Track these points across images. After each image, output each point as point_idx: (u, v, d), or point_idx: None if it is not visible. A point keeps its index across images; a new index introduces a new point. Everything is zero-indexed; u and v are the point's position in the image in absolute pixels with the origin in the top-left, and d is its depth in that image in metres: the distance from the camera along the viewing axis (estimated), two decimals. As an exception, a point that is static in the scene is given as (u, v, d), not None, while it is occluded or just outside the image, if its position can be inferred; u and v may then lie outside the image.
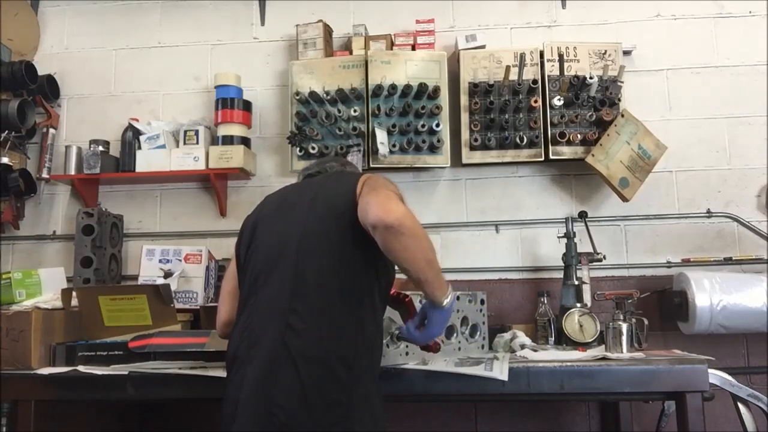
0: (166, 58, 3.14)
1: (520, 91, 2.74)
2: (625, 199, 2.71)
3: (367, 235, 1.48)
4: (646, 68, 2.90)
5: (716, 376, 1.97)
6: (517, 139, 2.71)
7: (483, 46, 2.84)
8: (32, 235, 3.04)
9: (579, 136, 2.72)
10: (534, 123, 2.73)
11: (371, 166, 2.75)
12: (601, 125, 2.73)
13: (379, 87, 2.75)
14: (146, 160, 2.90)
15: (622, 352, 2.02)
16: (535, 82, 2.74)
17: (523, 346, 2.20)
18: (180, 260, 2.81)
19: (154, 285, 2.38)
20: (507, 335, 2.30)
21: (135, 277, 2.88)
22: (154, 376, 1.98)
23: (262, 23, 3.11)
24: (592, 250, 2.57)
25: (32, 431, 1.99)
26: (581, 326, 2.35)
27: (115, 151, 2.99)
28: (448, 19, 3.01)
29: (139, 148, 2.93)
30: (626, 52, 2.86)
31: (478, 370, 1.83)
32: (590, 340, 2.32)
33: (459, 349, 2.13)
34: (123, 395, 1.97)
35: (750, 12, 2.90)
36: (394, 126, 2.76)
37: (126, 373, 1.98)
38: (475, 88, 2.77)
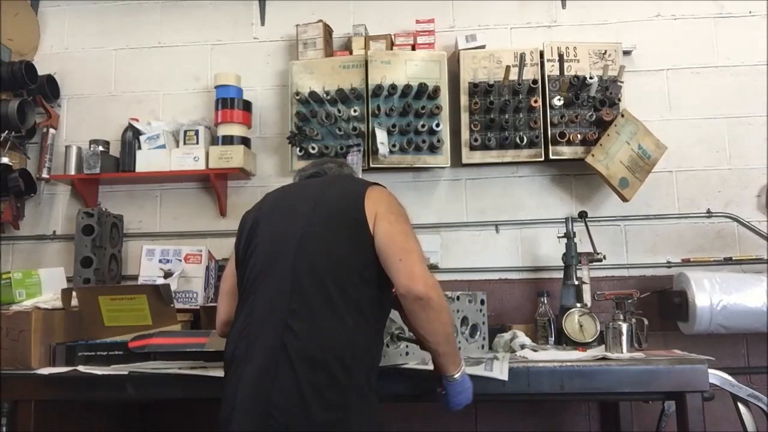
0: (166, 58, 3.14)
1: (520, 91, 2.74)
2: (625, 199, 2.71)
3: (369, 243, 1.50)
4: (646, 68, 2.90)
5: (716, 376, 1.97)
6: (517, 139, 2.71)
7: (483, 46, 2.84)
8: (32, 235, 3.04)
9: (579, 136, 2.72)
10: (534, 123, 2.73)
11: (371, 166, 2.75)
12: (601, 125, 2.73)
13: (379, 87, 2.75)
14: (146, 160, 2.90)
15: (622, 352, 2.02)
16: (535, 82, 2.74)
17: (523, 346, 2.20)
18: (180, 260, 2.81)
19: (154, 285, 2.38)
20: (507, 335, 2.30)
21: (135, 277, 2.88)
22: (154, 376, 1.97)
23: (262, 23, 3.11)
24: (592, 250, 2.57)
25: (32, 431, 1.99)
26: (581, 326, 2.35)
27: (115, 151, 2.99)
28: (448, 19, 3.01)
29: (139, 148, 2.93)
30: (626, 52, 2.86)
31: (478, 370, 1.83)
32: (590, 340, 2.32)
33: (459, 349, 2.13)
34: (123, 395, 1.97)
35: (750, 12, 2.90)
36: (394, 126, 2.76)
37: (126, 373, 1.98)
38: (475, 88, 2.77)
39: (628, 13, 2.94)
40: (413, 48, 2.86)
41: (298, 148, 2.80)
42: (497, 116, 2.76)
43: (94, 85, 3.15)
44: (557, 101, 2.73)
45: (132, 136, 2.95)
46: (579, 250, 2.53)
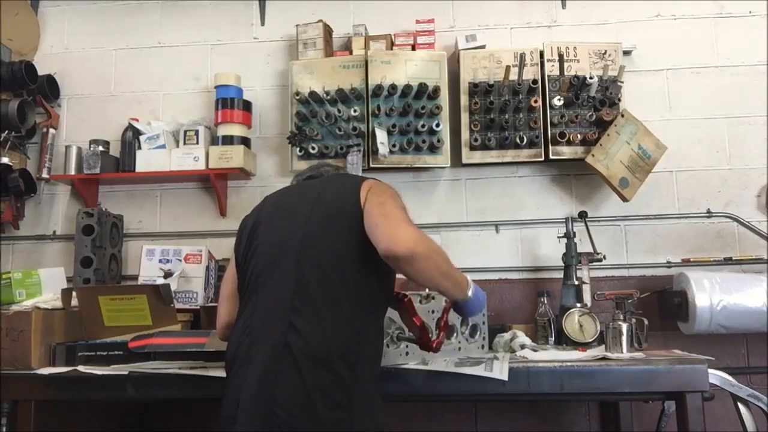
0: (166, 58, 3.14)
1: (520, 91, 2.74)
2: (625, 199, 2.71)
3: (365, 234, 1.50)
4: (646, 68, 2.90)
5: (716, 376, 1.97)
6: (517, 139, 2.71)
7: (483, 46, 2.84)
8: (32, 235, 3.04)
9: (579, 136, 2.72)
10: (534, 123, 2.73)
11: (371, 166, 2.75)
12: (601, 125, 2.73)
13: (379, 87, 2.75)
14: (146, 160, 2.90)
15: (622, 352, 2.02)
16: (535, 82, 2.74)
17: (523, 346, 2.20)
18: (180, 260, 2.81)
19: (154, 285, 2.38)
20: (507, 335, 2.30)
21: (135, 277, 2.88)
22: (154, 376, 1.97)
23: (262, 23, 3.11)
24: (592, 250, 2.57)
25: (32, 431, 1.99)
26: (581, 326, 2.35)
27: (115, 151, 2.99)
28: (448, 19, 3.01)
29: (139, 148, 2.93)
30: (626, 52, 2.86)
31: (478, 371, 1.83)
32: (590, 340, 2.32)
33: (459, 349, 2.13)
34: (123, 395, 1.97)
35: (750, 12, 2.89)
36: (394, 126, 2.76)
37: (126, 373, 1.98)
38: (475, 88, 2.77)
39: (628, 13, 2.94)
40: (413, 48, 2.86)
41: (298, 148, 2.80)
42: (497, 116, 2.76)
43: (94, 85, 3.14)
44: (557, 101, 2.73)
45: (132, 136, 2.95)
46: (579, 250, 2.53)
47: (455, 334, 2.12)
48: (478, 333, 2.22)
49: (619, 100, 2.75)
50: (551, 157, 2.72)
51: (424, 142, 2.75)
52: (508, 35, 2.98)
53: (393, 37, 2.89)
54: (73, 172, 2.94)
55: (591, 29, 2.94)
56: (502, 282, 2.81)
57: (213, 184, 2.89)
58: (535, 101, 2.73)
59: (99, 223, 2.79)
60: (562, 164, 2.82)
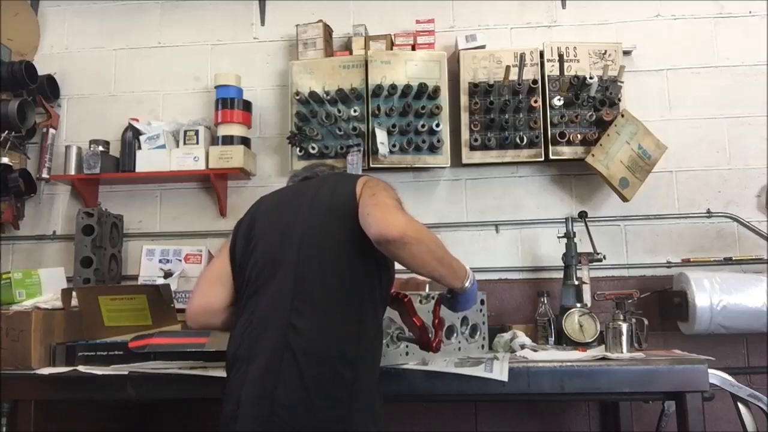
0: (166, 58, 3.14)
1: (520, 91, 2.74)
2: (625, 199, 2.71)
3: (367, 235, 1.49)
4: (646, 68, 2.90)
5: (716, 376, 1.97)
6: (517, 139, 2.71)
7: (483, 46, 2.84)
8: (32, 235, 3.03)
9: (579, 136, 2.72)
10: (534, 123, 2.73)
11: (371, 166, 2.75)
12: (601, 125, 2.73)
13: (379, 87, 2.75)
14: (146, 160, 2.90)
15: (622, 352, 2.02)
16: (535, 82, 2.74)
17: (523, 346, 2.20)
18: (180, 260, 2.81)
19: (154, 285, 2.38)
20: (507, 335, 2.30)
21: (135, 277, 2.89)
22: (154, 376, 1.97)
23: (262, 23, 3.11)
24: (592, 250, 2.57)
25: (32, 431, 1.99)
26: (581, 326, 2.35)
27: (115, 151, 2.99)
28: (448, 19, 3.01)
29: (139, 148, 2.93)
30: (626, 52, 2.86)
31: (478, 371, 1.83)
32: (590, 340, 2.32)
33: (459, 349, 2.13)
34: (123, 395, 1.97)
35: (750, 12, 2.90)
36: (394, 126, 2.76)
37: (126, 373, 1.98)
38: (475, 88, 2.77)
39: (628, 13, 2.94)
40: (413, 48, 2.86)
41: (298, 148, 2.80)
42: (497, 116, 2.76)
43: (94, 85, 3.14)
44: (557, 101, 2.73)
45: (132, 136, 2.95)
46: (579, 250, 2.53)
47: (455, 334, 2.12)
48: (478, 333, 2.22)
49: (619, 100, 2.75)
50: (551, 157, 2.72)
51: (424, 142, 2.75)
52: (508, 35, 2.98)
53: (393, 37, 2.89)
54: (73, 172, 2.94)
55: (591, 29, 2.94)
56: (502, 282, 2.81)
57: (213, 184, 2.89)
58: (535, 101, 2.73)
59: (99, 223, 2.79)
60: (562, 164, 2.82)
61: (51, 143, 3.04)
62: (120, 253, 2.95)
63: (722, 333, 2.47)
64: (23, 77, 2.89)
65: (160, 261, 2.83)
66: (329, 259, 1.52)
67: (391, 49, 2.86)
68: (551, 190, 2.88)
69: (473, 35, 2.84)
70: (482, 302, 2.25)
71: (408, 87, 2.75)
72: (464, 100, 2.79)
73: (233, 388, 1.49)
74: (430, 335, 1.74)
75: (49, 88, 3.04)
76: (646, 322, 2.24)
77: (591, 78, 2.70)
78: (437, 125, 2.74)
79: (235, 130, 2.89)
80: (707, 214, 2.78)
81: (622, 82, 2.75)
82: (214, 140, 2.93)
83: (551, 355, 2.04)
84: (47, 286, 2.42)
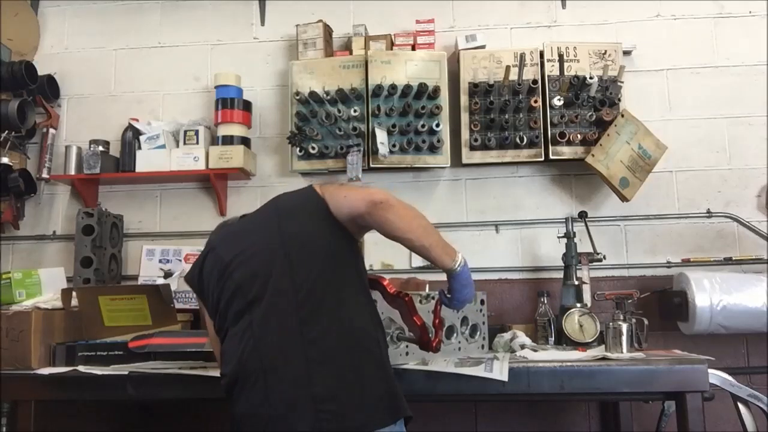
0: (166, 58, 3.14)
1: (520, 91, 2.74)
2: (625, 199, 2.71)
3: (343, 228, 1.56)
4: (646, 68, 2.90)
5: (716, 376, 1.97)
6: (517, 139, 2.71)
7: (483, 46, 2.84)
8: (32, 235, 3.03)
9: (579, 136, 2.72)
10: (534, 123, 2.72)
11: (371, 166, 2.75)
12: (601, 125, 2.73)
13: (379, 87, 2.75)
14: (146, 160, 2.90)
15: (622, 352, 2.02)
16: (535, 82, 2.74)
17: (523, 346, 2.20)
18: (180, 260, 2.82)
19: (154, 285, 2.38)
20: (507, 335, 2.29)
21: (135, 277, 2.89)
22: (154, 376, 1.98)
23: (262, 23, 3.11)
24: (592, 250, 2.57)
25: (32, 431, 1.99)
26: (581, 326, 2.35)
27: (115, 151, 2.99)
28: (448, 19, 3.01)
29: (139, 148, 2.93)
30: (626, 52, 2.86)
31: (478, 371, 1.83)
32: (590, 340, 2.32)
33: (459, 349, 2.13)
34: (123, 395, 1.97)
35: (750, 12, 2.90)
36: (394, 126, 2.76)
37: (126, 373, 1.98)
38: (475, 88, 2.77)
39: (628, 13, 2.94)
40: (413, 48, 2.86)
41: (298, 148, 2.80)
42: (497, 116, 2.76)
43: (94, 85, 3.15)
44: (557, 101, 2.73)
45: (132, 136, 2.95)
46: (579, 250, 2.53)
47: (455, 334, 2.12)
48: (478, 333, 2.22)
49: (619, 100, 2.75)
50: (551, 157, 2.72)
51: (424, 142, 2.75)
52: (508, 35, 2.98)
53: (393, 37, 2.89)
54: (73, 172, 2.94)
55: (591, 29, 2.94)
56: (502, 282, 2.81)
57: (213, 184, 2.89)
58: (535, 101, 2.73)
59: (99, 223, 2.79)
60: (562, 164, 2.82)
61: (51, 143, 3.04)
62: (120, 253, 2.95)
63: (722, 333, 2.47)
64: (23, 77, 2.89)
65: (160, 261, 2.83)
66: (322, 258, 1.54)
67: (391, 49, 2.86)
68: (551, 190, 2.88)
69: (473, 35, 2.84)
70: (482, 302, 2.25)
71: (408, 87, 2.75)
72: (464, 100, 2.79)
73: (247, 405, 1.45)
74: (430, 335, 1.74)
75: (49, 88, 3.04)
76: (646, 322, 2.24)
77: (591, 78, 2.70)
78: (437, 125, 2.74)
79: (235, 130, 2.89)
80: (707, 214, 2.78)
81: (622, 82, 2.75)
82: (214, 140, 2.93)
83: (551, 355, 2.04)
84: (47, 286, 2.42)
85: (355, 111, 2.77)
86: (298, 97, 2.82)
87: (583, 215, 2.66)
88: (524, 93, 2.75)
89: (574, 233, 2.54)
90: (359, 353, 1.47)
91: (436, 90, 2.75)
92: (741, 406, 2.07)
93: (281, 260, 1.52)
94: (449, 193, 2.91)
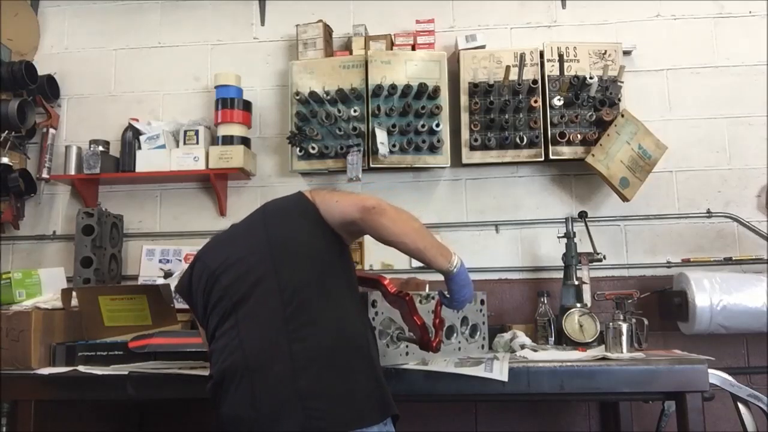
0: (166, 58, 3.14)
1: (520, 91, 2.74)
2: (625, 199, 2.71)
3: (333, 231, 1.56)
4: (646, 68, 2.90)
5: (716, 376, 1.97)
6: (517, 139, 2.71)
7: (483, 46, 2.84)
8: (32, 235, 3.04)
9: (579, 136, 2.72)
10: (534, 123, 2.72)
11: (371, 166, 2.75)
12: (601, 125, 2.73)
13: (379, 87, 2.75)
14: (146, 160, 2.90)
15: (622, 352, 2.02)
16: (535, 82, 2.74)
17: (523, 346, 2.20)
18: (180, 260, 2.81)
19: (154, 285, 2.38)
20: (507, 335, 2.29)
21: (135, 277, 2.89)
22: (154, 376, 1.98)
23: (262, 23, 3.11)
24: (592, 250, 2.57)
25: (32, 431, 1.99)
26: (581, 326, 2.35)
27: (115, 151, 2.99)
28: (448, 19, 3.01)
29: (139, 148, 2.93)
30: (626, 52, 2.86)
31: (478, 371, 1.83)
32: (590, 340, 2.32)
33: (459, 349, 2.13)
34: (123, 395, 1.97)
35: (750, 12, 2.90)
36: (394, 126, 2.76)
37: (126, 373, 1.98)
38: (475, 88, 2.77)
39: (628, 13, 2.94)
40: (413, 48, 2.86)
41: (298, 148, 2.80)
42: (497, 116, 2.76)
43: (94, 85, 3.15)
44: (557, 101, 2.73)
45: (132, 136, 2.95)
46: (579, 250, 2.53)
47: (455, 334, 2.12)
48: (478, 333, 2.22)
49: (619, 100, 2.75)
50: (551, 157, 2.72)
51: (424, 142, 2.75)
52: (508, 35, 2.98)
53: (393, 37, 2.89)
54: (73, 172, 2.94)
55: (591, 29, 2.94)
56: (502, 282, 2.81)
57: (213, 184, 2.89)
58: (535, 101, 2.73)
59: (99, 223, 2.79)
60: (562, 164, 2.82)
61: (51, 143, 3.04)
62: (120, 253, 2.95)
63: (722, 333, 2.47)
64: (23, 77, 2.89)
65: (160, 261, 2.83)
66: (310, 258, 1.54)
67: (391, 49, 2.86)
68: (551, 190, 2.88)
69: (473, 35, 2.84)
70: (482, 302, 2.25)
71: (408, 87, 2.75)
72: (464, 100, 2.79)
73: (233, 407, 1.44)
74: (430, 335, 1.74)
75: (49, 88, 3.04)
76: (646, 322, 2.24)
77: (591, 78, 2.70)
78: (437, 125, 2.74)
79: (235, 130, 2.89)
80: (707, 214, 2.78)
81: (622, 82, 2.75)
82: (214, 140, 2.93)
83: (551, 355, 2.04)
84: (47, 286, 2.42)
85: (355, 111, 2.77)
86: (298, 97, 2.82)
87: (583, 215, 2.66)
88: (524, 93, 2.75)
89: (574, 233, 2.54)
90: (347, 351, 1.47)
91: (436, 90, 2.75)
92: (741, 406, 2.07)
93: (267, 262, 1.52)
94: (449, 193, 2.91)
